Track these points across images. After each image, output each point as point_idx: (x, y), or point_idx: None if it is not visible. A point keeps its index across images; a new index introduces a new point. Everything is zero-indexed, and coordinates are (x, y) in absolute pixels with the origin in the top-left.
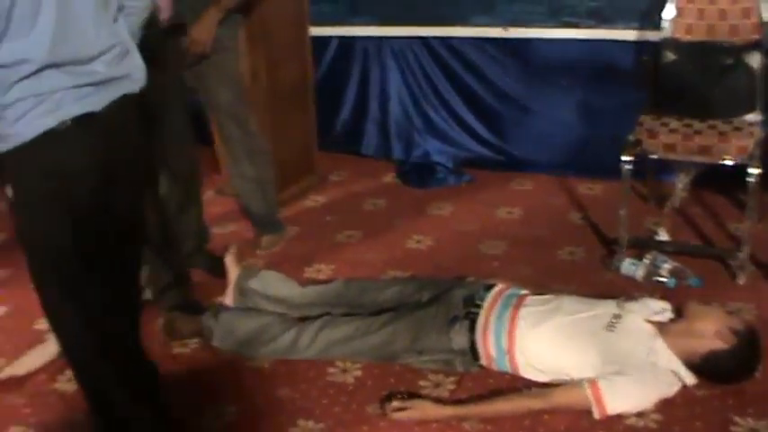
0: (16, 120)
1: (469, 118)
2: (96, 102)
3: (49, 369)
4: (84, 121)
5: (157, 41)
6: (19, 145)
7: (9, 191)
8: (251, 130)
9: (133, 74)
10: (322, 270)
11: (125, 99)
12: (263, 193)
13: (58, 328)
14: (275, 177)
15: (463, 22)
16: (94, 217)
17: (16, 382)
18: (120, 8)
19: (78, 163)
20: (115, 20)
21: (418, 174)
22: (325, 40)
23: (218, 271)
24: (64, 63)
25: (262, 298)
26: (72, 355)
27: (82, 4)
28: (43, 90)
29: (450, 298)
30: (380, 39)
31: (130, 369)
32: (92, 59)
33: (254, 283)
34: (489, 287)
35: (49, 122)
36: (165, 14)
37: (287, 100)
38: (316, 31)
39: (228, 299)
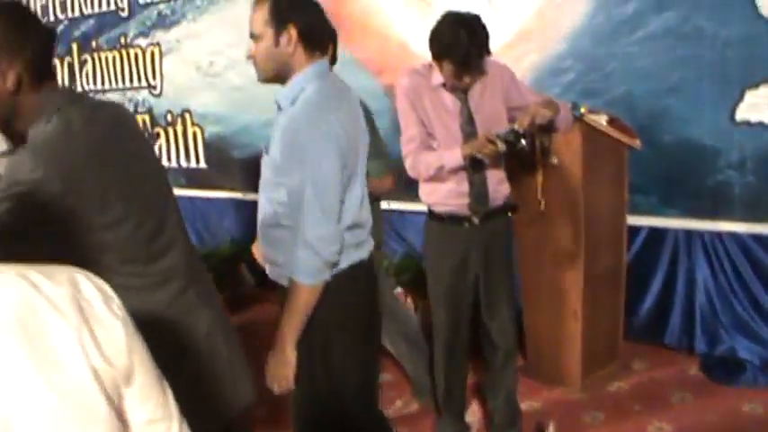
0: None
1: None
2: (364, 252)
3: None
4: (358, 266)
5: None
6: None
7: None
8: None
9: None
10: None
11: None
12: None
13: None
14: (580, 362)
15: None
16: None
17: None
18: None
19: (355, 296)
20: None
21: (725, 369)
22: (635, 229)
23: None
24: (358, 225)
25: None
26: None
27: (363, 188)
28: (346, 243)
29: None
30: (691, 231)
31: None
32: (364, 226)
33: None
34: None
35: (343, 266)
36: None
37: (600, 285)
38: (629, 219)
39: None
